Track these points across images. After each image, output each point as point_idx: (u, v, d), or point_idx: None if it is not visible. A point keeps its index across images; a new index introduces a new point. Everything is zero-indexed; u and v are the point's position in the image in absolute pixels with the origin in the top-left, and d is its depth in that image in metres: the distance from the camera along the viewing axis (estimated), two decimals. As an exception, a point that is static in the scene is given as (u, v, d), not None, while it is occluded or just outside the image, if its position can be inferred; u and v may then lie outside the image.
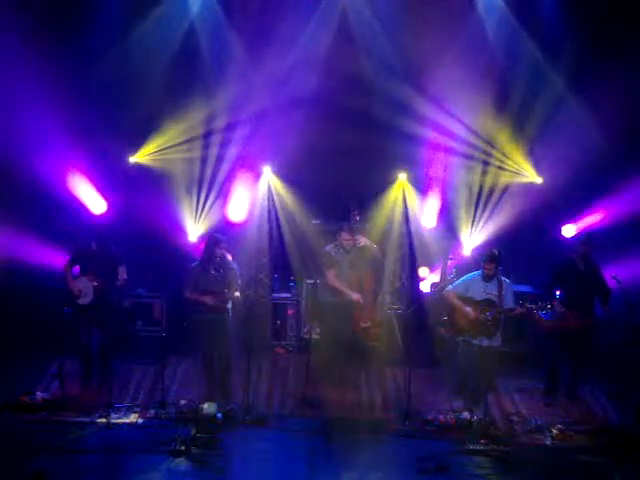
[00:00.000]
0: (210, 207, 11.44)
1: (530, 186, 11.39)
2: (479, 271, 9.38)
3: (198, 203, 11.42)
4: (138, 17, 10.91)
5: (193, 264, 9.66)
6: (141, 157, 11.40)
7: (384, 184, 11.38)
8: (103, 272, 9.55)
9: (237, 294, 9.43)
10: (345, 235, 9.90)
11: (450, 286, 9.62)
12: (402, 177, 11.40)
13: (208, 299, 9.40)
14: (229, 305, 9.53)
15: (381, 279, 10.92)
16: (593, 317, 9.71)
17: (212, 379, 9.56)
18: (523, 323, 10.38)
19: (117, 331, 9.98)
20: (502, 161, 11.39)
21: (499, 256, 9.29)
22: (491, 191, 11.40)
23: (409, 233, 11.37)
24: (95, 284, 9.52)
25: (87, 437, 8.50)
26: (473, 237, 11.38)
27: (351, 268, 9.96)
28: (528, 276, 11.09)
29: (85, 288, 9.56)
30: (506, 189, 11.38)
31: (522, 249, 11.42)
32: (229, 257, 9.68)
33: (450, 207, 11.55)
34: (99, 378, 9.64)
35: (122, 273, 9.63)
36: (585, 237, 9.93)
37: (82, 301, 9.56)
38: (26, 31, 10.40)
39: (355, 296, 9.84)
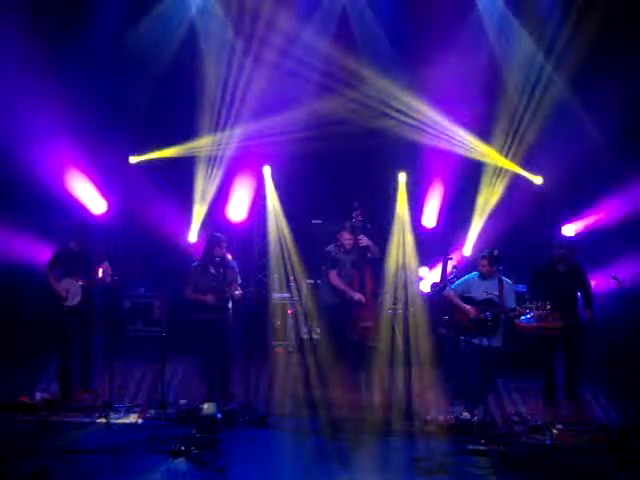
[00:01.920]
0: (210, 207, 11.44)
1: (530, 186, 11.39)
2: (477, 271, 9.41)
3: (198, 203, 11.42)
4: (139, 16, 10.93)
5: (193, 264, 9.66)
6: (142, 157, 11.40)
7: (384, 185, 11.37)
8: (87, 272, 9.45)
9: (238, 292, 9.43)
10: (346, 235, 9.90)
11: (451, 286, 9.63)
12: (402, 178, 11.38)
13: (208, 298, 9.40)
14: (229, 305, 9.53)
15: (382, 279, 10.91)
16: (575, 319, 9.63)
17: (212, 379, 9.57)
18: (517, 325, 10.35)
19: (112, 331, 9.98)
20: (502, 161, 11.39)
21: (498, 256, 9.30)
22: (491, 191, 11.41)
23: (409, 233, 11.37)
24: (82, 284, 9.44)
25: (87, 437, 8.50)
26: (473, 237, 11.37)
27: (352, 268, 9.95)
28: (528, 276, 11.08)
29: (72, 289, 9.44)
30: (506, 189, 11.39)
31: (522, 249, 11.42)
32: (229, 256, 9.68)
33: (450, 207, 11.56)
34: (96, 378, 9.65)
35: (107, 269, 9.52)
36: (562, 241, 9.88)
37: (70, 303, 9.43)
38: (26, 31, 10.40)
39: (357, 296, 9.84)
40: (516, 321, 9.51)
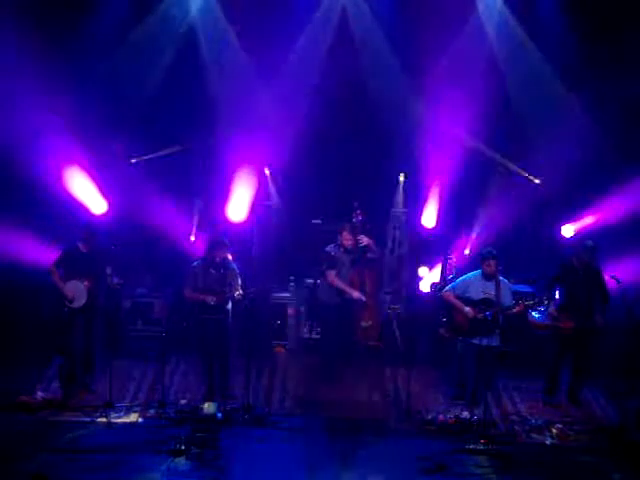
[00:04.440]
0: (210, 207, 11.44)
1: (530, 186, 11.40)
2: (479, 271, 9.40)
3: (199, 203, 11.43)
4: (140, 16, 10.94)
5: (193, 263, 9.68)
6: (142, 157, 11.40)
7: (385, 185, 11.39)
8: (93, 273, 9.49)
9: (238, 293, 9.46)
10: (346, 235, 9.91)
11: (449, 286, 9.64)
12: (401, 178, 11.38)
13: (208, 298, 9.42)
14: (229, 305, 9.55)
15: (381, 279, 10.93)
16: (591, 321, 9.61)
17: (212, 379, 9.58)
18: (523, 323, 10.36)
19: (113, 331, 10.01)
20: (501, 162, 11.39)
21: (497, 255, 9.31)
22: (491, 192, 11.41)
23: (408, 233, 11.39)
24: (87, 285, 9.46)
25: (87, 437, 8.51)
26: (473, 237, 11.38)
27: (353, 267, 9.96)
28: (528, 276, 11.09)
29: (78, 291, 9.45)
30: (506, 189, 11.39)
31: (522, 249, 11.43)
32: (229, 257, 9.70)
33: (450, 207, 11.57)
34: (96, 377, 9.66)
35: (109, 274, 9.56)
36: (591, 247, 9.76)
37: (76, 304, 9.45)
38: (27, 30, 10.40)
39: (356, 294, 9.85)
40: (530, 319, 9.56)
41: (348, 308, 9.91)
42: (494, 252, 9.34)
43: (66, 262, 9.53)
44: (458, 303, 9.35)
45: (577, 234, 11.23)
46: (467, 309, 9.27)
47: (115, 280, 9.57)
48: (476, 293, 9.30)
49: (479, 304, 9.25)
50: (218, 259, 9.49)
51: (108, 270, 9.53)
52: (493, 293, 9.22)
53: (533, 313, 9.70)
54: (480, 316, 9.20)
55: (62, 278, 9.48)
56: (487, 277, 9.31)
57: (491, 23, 11.11)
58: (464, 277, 9.56)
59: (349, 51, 11.15)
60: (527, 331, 10.52)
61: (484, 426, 8.82)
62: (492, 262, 9.26)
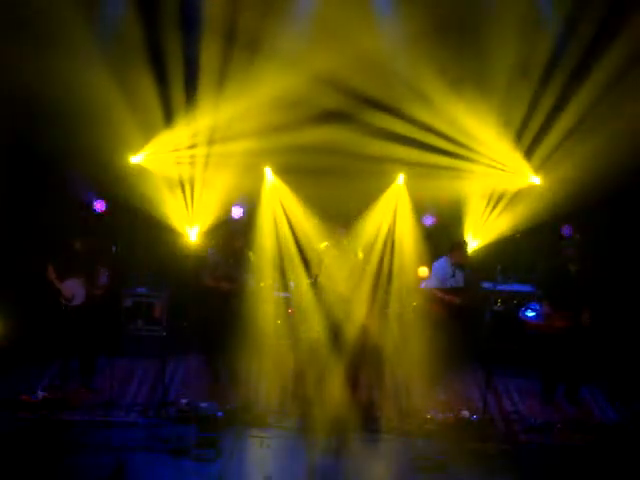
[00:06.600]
0: (210, 207, 11.45)
1: (530, 187, 11.39)
2: (445, 258, 9.68)
3: (199, 202, 11.43)
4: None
5: (209, 251, 9.97)
6: (141, 157, 11.40)
7: (383, 186, 11.39)
8: (90, 273, 9.53)
9: (252, 282, 9.72)
10: (342, 230, 10.03)
11: (428, 282, 9.81)
12: (400, 179, 11.33)
13: (225, 284, 9.61)
14: (244, 293, 9.73)
15: (378, 279, 10.92)
16: (583, 320, 9.59)
17: (213, 378, 9.60)
18: (522, 322, 10.38)
19: (111, 330, 10.04)
20: (502, 163, 11.38)
21: (464, 245, 9.63)
22: (491, 192, 11.41)
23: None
24: (85, 284, 9.49)
25: (87, 436, 8.53)
26: (473, 237, 11.39)
27: (348, 267, 10.01)
28: (528, 276, 11.10)
29: (76, 289, 9.51)
30: (506, 190, 11.40)
31: (522, 249, 11.43)
32: (244, 248, 9.91)
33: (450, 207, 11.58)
34: (97, 376, 9.69)
35: (103, 276, 9.61)
36: (575, 240, 9.85)
37: (74, 302, 9.50)
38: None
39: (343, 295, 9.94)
40: (523, 318, 9.66)
41: (347, 307, 9.93)
42: (459, 242, 9.66)
43: (64, 262, 9.54)
44: (440, 294, 9.56)
45: (573, 233, 11.24)
46: (449, 297, 9.45)
47: (107, 280, 9.62)
48: (446, 279, 9.45)
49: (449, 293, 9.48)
50: (235, 248, 9.68)
51: (104, 270, 9.56)
52: (461, 283, 9.51)
53: (527, 312, 9.75)
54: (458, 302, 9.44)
55: (61, 277, 9.49)
56: (457, 266, 9.48)
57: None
58: (435, 263, 9.78)
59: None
60: (524, 331, 10.55)
61: (483, 425, 8.85)
62: (463, 252, 9.59)
